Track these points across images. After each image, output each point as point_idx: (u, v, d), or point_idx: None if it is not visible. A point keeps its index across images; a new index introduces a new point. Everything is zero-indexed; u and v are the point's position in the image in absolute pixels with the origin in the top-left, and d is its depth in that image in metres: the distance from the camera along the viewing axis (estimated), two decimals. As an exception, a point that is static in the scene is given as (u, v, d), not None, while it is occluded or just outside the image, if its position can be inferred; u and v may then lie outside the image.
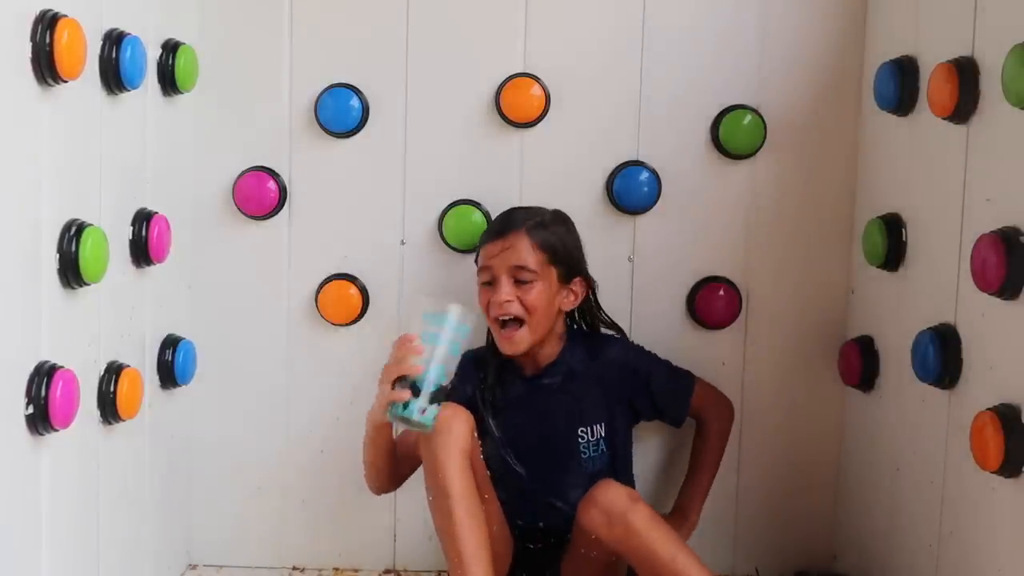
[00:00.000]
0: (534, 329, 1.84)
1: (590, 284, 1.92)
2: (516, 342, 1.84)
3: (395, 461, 1.82)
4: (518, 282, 1.82)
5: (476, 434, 1.74)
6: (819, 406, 2.07)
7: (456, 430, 1.68)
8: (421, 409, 1.62)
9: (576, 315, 1.95)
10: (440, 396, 1.64)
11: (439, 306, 1.65)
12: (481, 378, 1.90)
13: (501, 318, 1.83)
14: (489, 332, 1.92)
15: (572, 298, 1.89)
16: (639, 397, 1.93)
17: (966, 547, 1.58)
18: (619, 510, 1.64)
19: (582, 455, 1.88)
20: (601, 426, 1.89)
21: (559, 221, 1.90)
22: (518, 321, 1.83)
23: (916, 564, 1.73)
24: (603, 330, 1.97)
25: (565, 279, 1.87)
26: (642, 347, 1.97)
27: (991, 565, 1.50)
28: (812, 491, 2.09)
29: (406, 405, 1.62)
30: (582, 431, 1.88)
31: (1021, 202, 1.43)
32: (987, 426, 1.43)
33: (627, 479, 1.94)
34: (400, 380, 1.63)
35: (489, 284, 1.85)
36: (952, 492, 1.63)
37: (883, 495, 1.88)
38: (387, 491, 1.89)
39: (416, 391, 1.62)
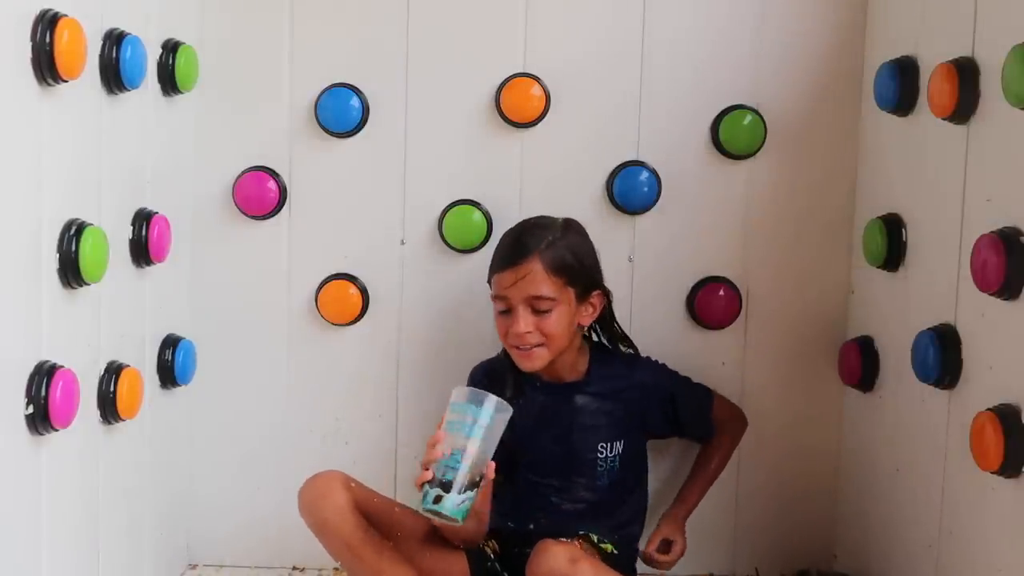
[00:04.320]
0: (553, 350, 1.81)
1: (607, 295, 1.89)
2: (535, 359, 1.81)
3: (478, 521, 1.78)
4: (536, 311, 1.78)
5: (353, 483, 1.75)
6: (819, 406, 2.07)
7: (333, 493, 1.71)
8: (455, 503, 1.58)
9: (596, 327, 1.92)
10: (475, 488, 1.60)
11: (471, 396, 1.61)
12: (498, 391, 1.78)
13: (521, 347, 1.80)
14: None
15: (591, 311, 1.85)
16: (661, 416, 1.92)
17: (966, 547, 1.58)
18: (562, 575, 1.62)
19: (598, 468, 1.87)
20: (619, 443, 1.87)
21: (571, 232, 1.84)
22: (538, 345, 1.81)
23: (916, 564, 1.73)
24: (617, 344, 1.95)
25: (583, 296, 1.83)
26: (664, 365, 1.95)
27: (991, 565, 1.50)
28: (812, 491, 2.09)
29: (438, 499, 1.58)
30: (601, 446, 1.87)
31: (1021, 202, 1.43)
32: (987, 426, 1.43)
33: (641, 493, 1.94)
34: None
35: (506, 312, 1.81)
36: (952, 492, 1.63)
37: (883, 495, 1.88)
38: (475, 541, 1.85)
39: (448, 486, 1.58)
